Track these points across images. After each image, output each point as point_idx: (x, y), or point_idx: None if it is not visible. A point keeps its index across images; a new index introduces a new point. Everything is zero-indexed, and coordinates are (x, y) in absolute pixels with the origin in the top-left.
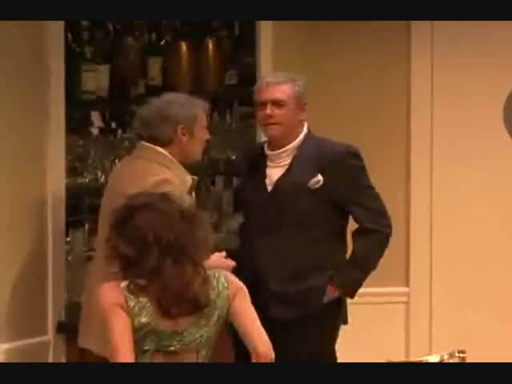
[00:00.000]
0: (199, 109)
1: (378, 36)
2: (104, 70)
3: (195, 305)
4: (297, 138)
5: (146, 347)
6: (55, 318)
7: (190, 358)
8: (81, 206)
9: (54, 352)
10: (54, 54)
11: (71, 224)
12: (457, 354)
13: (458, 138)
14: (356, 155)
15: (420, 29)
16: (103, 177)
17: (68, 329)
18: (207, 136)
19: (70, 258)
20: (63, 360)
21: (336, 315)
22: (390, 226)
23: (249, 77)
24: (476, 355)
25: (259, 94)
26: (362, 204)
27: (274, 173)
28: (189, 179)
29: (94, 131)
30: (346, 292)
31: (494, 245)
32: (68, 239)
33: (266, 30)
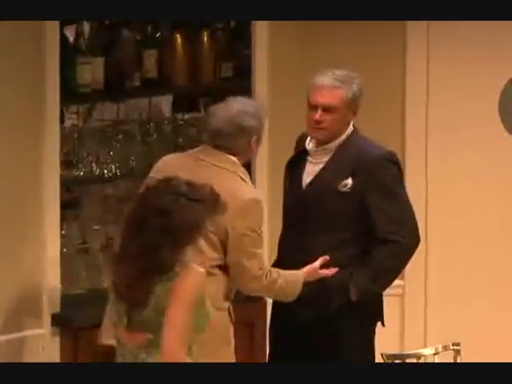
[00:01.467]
0: (265, 115)
1: (374, 28)
2: (99, 63)
3: (132, 302)
4: (339, 137)
5: (113, 318)
6: (50, 311)
7: (138, 339)
8: (76, 198)
9: (48, 344)
10: (50, 47)
11: (66, 216)
12: (451, 347)
13: (453, 132)
14: (391, 161)
15: (416, 22)
16: (98, 169)
17: (63, 321)
18: None
19: (64, 251)
20: (58, 352)
21: (371, 313)
22: (410, 237)
23: (245, 69)
24: (470, 348)
25: (312, 95)
26: (384, 211)
27: (311, 169)
28: None
29: (89, 124)
30: (362, 298)
31: (488, 238)
32: (63, 232)
33: (261, 23)
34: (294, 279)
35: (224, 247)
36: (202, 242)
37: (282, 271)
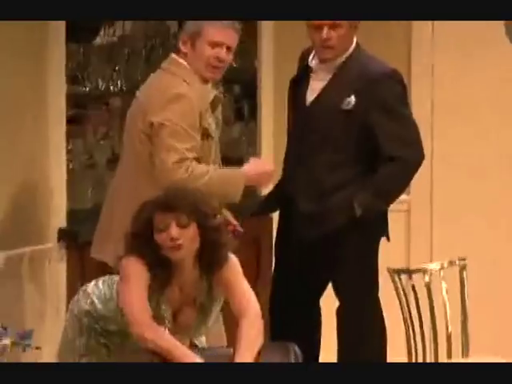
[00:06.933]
0: (206, 24)
1: None
2: None
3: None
4: (343, 54)
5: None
6: (57, 226)
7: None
8: (81, 114)
9: (55, 259)
10: None
11: (72, 132)
12: (457, 262)
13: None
14: (395, 80)
15: None
16: (104, 85)
17: (69, 236)
18: (216, 54)
19: (71, 167)
20: (64, 266)
21: (378, 228)
22: (416, 156)
23: None
24: (476, 262)
25: None
26: (387, 129)
27: (315, 86)
28: (210, 95)
29: (95, 39)
30: (367, 214)
31: (497, 152)
32: (69, 147)
33: None
34: (230, 175)
35: None
36: (136, 143)
37: (218, 169)
